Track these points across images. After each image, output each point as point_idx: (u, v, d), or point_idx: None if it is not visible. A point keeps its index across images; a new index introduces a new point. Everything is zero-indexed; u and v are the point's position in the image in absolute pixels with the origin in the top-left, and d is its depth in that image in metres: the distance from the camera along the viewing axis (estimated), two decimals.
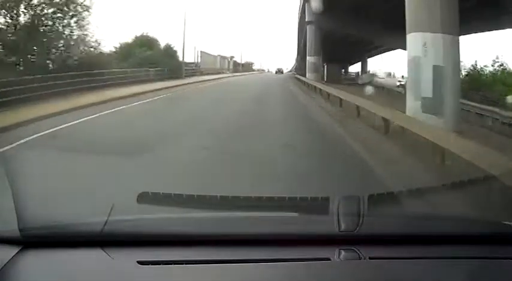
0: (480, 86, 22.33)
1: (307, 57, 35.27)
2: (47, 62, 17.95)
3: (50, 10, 18.17)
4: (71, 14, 18.88)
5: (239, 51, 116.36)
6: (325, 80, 33.65)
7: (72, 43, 19.14)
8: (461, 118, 10.96)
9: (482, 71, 25.24)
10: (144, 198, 2.76)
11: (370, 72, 55.51)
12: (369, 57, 55.14)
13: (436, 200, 3.91)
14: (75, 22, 19.17)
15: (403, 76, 55.59)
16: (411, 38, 9.97)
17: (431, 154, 6.84)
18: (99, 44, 20.95)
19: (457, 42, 9.82)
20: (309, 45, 34.69)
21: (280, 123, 11.26)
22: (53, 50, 18.43)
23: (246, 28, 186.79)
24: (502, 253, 1.67)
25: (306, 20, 33.96)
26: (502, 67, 24.95)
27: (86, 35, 19.76)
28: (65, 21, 18.80)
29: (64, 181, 4.92)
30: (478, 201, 4.22)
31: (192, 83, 27.44)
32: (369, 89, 21.08)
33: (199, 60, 44.77)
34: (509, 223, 1.91)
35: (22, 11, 17.32)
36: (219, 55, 57.56)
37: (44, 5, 17.82)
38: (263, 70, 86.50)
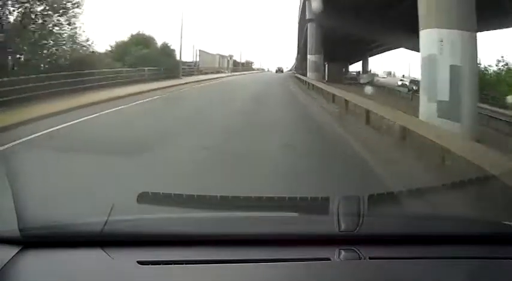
0: (484, 85, 22.32)
1: (308, 56, 34.82)
2: (38, 61, 17.36)
3: (40, 8, 17.61)
4: (61, 11, 18.24)
5: (238, 50, 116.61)
6: (326, 79, 33.49)
7: (64, 42, 18.60)
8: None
9: (486, 70, 25.08)
10: (144, 198, 2.76)
11: (371, 71, 55.61)
12: (370, 56, 55.16)
13: (436, 200, 3.91)
14: (66, 20, 18.58)
15: (403, 75, 55.82)
16: (425, 34, 9.15)
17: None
18: (92, 42, 20.40)
19: (474, 40, 9.01)
20: (309, 43, 34.32)
21: (280, 133, 9.59)
22: (44, 50, 17.78)
23: (246, 27, 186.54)
24: (502, 253, 1.67)
25: (307, 17, 33.61)
26: (506, 67, 24.81)
27: (75, 32, 19.09)
28: (55, 19, 18.16)
29: (64, 180, 4.92)
30: (478, 201, 4.22)
31: (189, 82, 26.92)
32: (370, 89, 21.03)
33: (197, 59, 44.62)
34: (509, 223, 1.91)
35: (8, 9, 16.71)
36: (218, 54, 57.41)
37: (32, 2, 17.24)
38: (263, 69, 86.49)
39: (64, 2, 18.38)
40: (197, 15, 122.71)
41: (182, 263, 1.56)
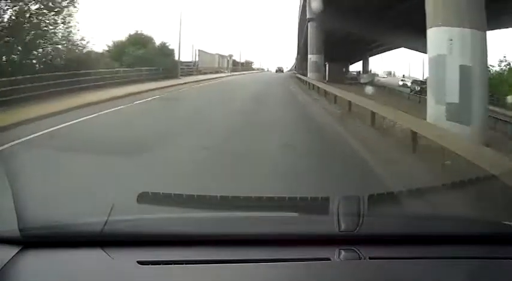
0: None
1: (309, 56, 34.53)
2: (33, 61, 17.07)
3: (35, 7, 17.24)
4: (56, 10, 17.85)
5: (238, 50, 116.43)
6: (327, 79, 33.38)
7: (60, 41, 18.30)
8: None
9: (489, 70, 25.07)
10: (144, 198, 2.76)
11: (372, 71, 55.62)
12: (370, 56, 55.14)
13: (436, 200, 3.91)
14: (62, 19, 18.17)
15: (403, 75, 55.82)
16: (433, 33, 8.67)
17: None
18: (87, 42, 20.00)
19: (484, 39, 8.60)
20: (310, 43, 34.04)
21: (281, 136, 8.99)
22: (39, 49, 17.43)
23: (246, 27, 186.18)
24: (502, 253, 1.67)
25: (307, 17, 33.39)
26: (508, 66, 24.69)
27: (70, 31, 18.71)
28: (50, 17, 17.71)
29: (64, 180, 4.93)
30: (478, 201, 4.22)
31: (188, 82, 26.70)
32: (371, 89, 20.98)
33: (197, 59, 44.45)
34: (509, 223, 1.91)
35: (2, 8, 16.35)
36: (217, 54, 57.27)
37: (27, 1, 16.88)
38: (263, 69, 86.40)
39: (59, 1, 18.06)
40: (197, 15, 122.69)
41: (182, 263, 1.56)
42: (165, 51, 30.53)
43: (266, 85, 29.33)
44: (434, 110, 8.66)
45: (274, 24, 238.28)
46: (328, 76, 36.61)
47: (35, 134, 8.29)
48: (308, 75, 33.14)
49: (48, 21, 17.80)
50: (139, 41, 28.32)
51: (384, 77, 55.77)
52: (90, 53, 20.82)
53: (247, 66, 78.21)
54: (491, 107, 16.25)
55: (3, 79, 13.17)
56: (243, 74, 55.76)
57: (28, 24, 16.95)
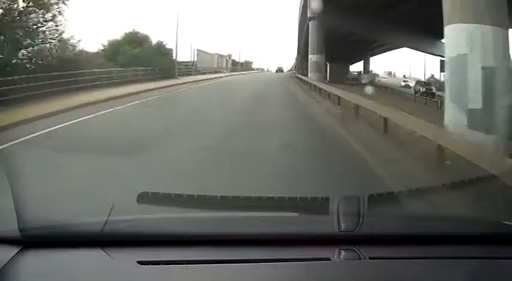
0: None
1: (310, 56, 34.23)
2: (23, 61, 16.69)
3: (23, 4, 16.87)
4: (48, 7, 17.52)
5: (238, 50, 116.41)
6: (328, 80, 33.23)
7: (50, 40, 17.87)
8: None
9: None
10: (144, 198, 2.76)
11: (372, 71, 55.60)
12: (371, 56, 55.05)
13: (436, 200, 3.91)
14: (51, 17, 17.79)
15: (404, 75, 55.78)
16: (452, 31, 7.88)
17: None
18: (78, 40, 19.68)
19: (507, 38, 7.91)
20: (311, 42, 33.74)
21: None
22: (29, 48, 17.06)
23: (245, 27, 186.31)
24: (502, 253, 1.67)
25: (308, 15, 33.10)
26: None
27: (57, 30, 18.23)
28: (39, 15, 17.37)
29: (64, 180, 4.93)
30: (478, 201, 4.22)
31: (186, 82, 26.52)
32: (371, 89, 20.91)
33: (195, 59, 44.33)
34: (509, 223, 1.91)
35: None
36: (216, 54, 57.21)
37: None
38: (262, 69, 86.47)
39: None
40: (196, 15, 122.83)
41: (182, 263, 1.56)
42: (162, 51, 30.02)
43: (266, 85, 29.28)
44: (453, 116, 7.84)
45: (274, 24, 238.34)
46: (329, 76, 36.46)
47: (34, 134, 8.29)
48: (309, 75, 32.84)
49: (37, 19, 17.47)
50: (135, 40, 27.76)
51: (384, 78, 55.77)
52: (81, 52, 20.44)
53: (246, 66, 78.20)
54: None
55: (4, 78, 13.07)
56: (243, 74, 55.70)
57: (17, 23, 16.60)
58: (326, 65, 37.14)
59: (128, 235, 1.70)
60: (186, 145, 7.44)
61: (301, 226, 1.90)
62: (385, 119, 9.43)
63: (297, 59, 62.82)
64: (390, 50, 46.51)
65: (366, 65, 57.01)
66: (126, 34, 28.74)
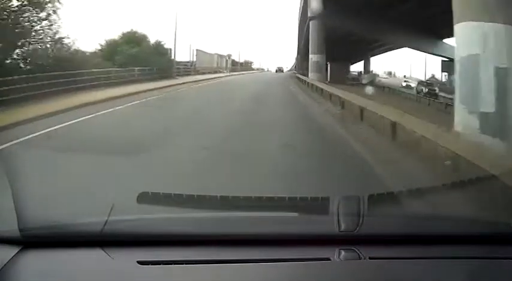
0: None
1: (310, 56, 33.90)
2: (17, 61, 16.42)
3: (17, 3, 16.49)
4: (43, 5, 17.14)
5: (237, 50, 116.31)
6: (329, 80, 33.12)
7: (44, 39, 17.60)
8: None
9: None
10: (144, 198, 2.76)
11: (373, 71, 55.56)
12: (371, 56, 55.00)
13: (436, 200, 3.90)
14: (46, 16, 17.41)
15: (405, 76, 55.64)
16: (462, 29, 7.47)
17: None
18: (73, 40, 19.30)
19: None
20: (312, 42, 33.49)
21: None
22: (24, 48, 16.78)
23: (245, 27, 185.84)
24: (502, 253, 1.67)
25: (309, 15, 32.93)
26: None
27: (51, 28, 17.80)
28: (33, 14, 17.01)
29: (64, 180, 4.93)
30: (478, 201, 4.22)
31: (186, 83, 26.31)
32: (371, 89, 20.91)
33: (194, 59, 44.19)
34: (509, 223, 1.91)
35: None
36: (216, 53, 57.05)
37: None
38: (262, 69, 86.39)
39: None
40: (195, 15, 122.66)
41: (182, 263, 1.56)
42: (160, 50, 29.70)
43: (266, 85, 29.22)
44: (463, 120, 7.44)
45: (274, 24, 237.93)
46: (330, 77, 36.33)
47: (34, 134, 8.29)
48: (309, 75, 32.63)
49: (31, 18, 17.22)
50: (133, 40, 27.38)
51: (385, 78, 55.67)
52: (77, 51, 20.16)
53: (246, 66, 78.11)
54: None
55: (3, 79, 12.94)
56: (242, 74, 55.62)
57: (10, 22, 16.34)
58: (327, 65, 36.97)
59: (128, 235, 1.71)
60: (186, 145, 7.44)
61: (301, 226, 1.90)
62: (393, 124, 8.50)
63: (297, 59, 62.82)
64: (391, 50, 46.47)
65: (366, 65, 56.95)
66: (123, 34, 28.41)
